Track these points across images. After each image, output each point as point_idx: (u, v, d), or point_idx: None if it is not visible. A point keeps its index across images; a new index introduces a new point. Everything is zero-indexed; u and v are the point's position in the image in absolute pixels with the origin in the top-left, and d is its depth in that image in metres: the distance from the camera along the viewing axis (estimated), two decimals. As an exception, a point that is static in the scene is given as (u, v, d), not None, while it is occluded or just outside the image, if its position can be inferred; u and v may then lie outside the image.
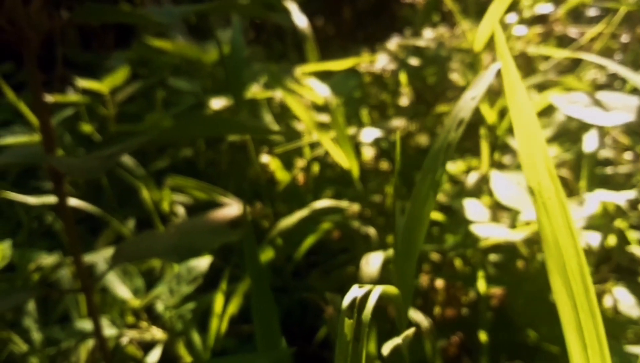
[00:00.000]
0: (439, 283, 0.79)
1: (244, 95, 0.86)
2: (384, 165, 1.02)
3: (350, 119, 1.07)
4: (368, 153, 0.98)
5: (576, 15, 1.22)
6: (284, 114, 1.09)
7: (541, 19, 1.18)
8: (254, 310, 0.39)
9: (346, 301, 0.28)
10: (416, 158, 0.91)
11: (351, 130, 0.85)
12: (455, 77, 0.87)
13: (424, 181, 0.30)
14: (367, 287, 0.28)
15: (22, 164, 0.51)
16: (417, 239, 0.30)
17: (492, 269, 0.68)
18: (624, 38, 1.14)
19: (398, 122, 1.06)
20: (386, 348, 0.27)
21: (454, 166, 0.93)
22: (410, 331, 0.29)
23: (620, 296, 0.60)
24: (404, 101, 1.09)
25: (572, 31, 1.13)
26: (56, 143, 1.02)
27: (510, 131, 0.96)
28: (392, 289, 0.29)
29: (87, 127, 1.17)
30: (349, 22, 2.53)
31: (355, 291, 0.28)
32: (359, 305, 0.29)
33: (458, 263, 0.75)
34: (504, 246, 0.68)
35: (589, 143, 0.66)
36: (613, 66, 0.56)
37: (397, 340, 0.27)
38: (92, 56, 1.91)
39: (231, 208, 0.59)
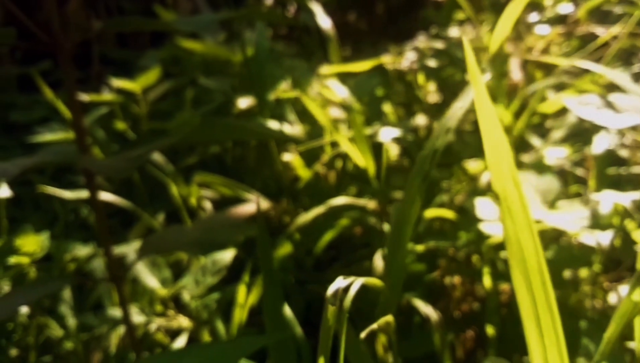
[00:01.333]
0: (455, 279, 0.82)
1: (266, 96, 0.90)
2: (408, 162, 1.05)
3: (373, 117, 1.10)
4: (393, 150, 1.01)
5: (601, 15, 1.22)
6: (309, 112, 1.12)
7: (564, 19, 1.18)
8: (264, 301, 0.43)
9: (330, 291, 0.31)
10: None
11: (371, 129, 0.88)
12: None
13: (412, 183, 0.33)
14: (351, 278, 0.31)
15: (57, 163, 0.55)
16: (405, 236, 0.32)
17: (502, 265, 0.70)
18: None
19: (421, 121, 1.08)
20: (363, 333, 0.30)
21: (474, 165, 0.95)
22: (390, 318, 0.32)
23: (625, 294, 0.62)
24: (431, 98, 1.11)
25: (597, 30, 1.13)
26: (90, 141, 1.07)
27: (530, 129, 0.98)
28: (375, 281, 0.32)
29: (120, 125, 1.22)
30: (381, 18, 2.55)
31: (339, 282, 0.31)
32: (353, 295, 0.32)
33: (474, 259, 0.77)
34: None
35: (599, 144, 0.68)
36: (610, 74, 0.57)
37: (373, 326, 0.30)
38: (128, 54, 1.98)
39: (251, 205, 0.62)
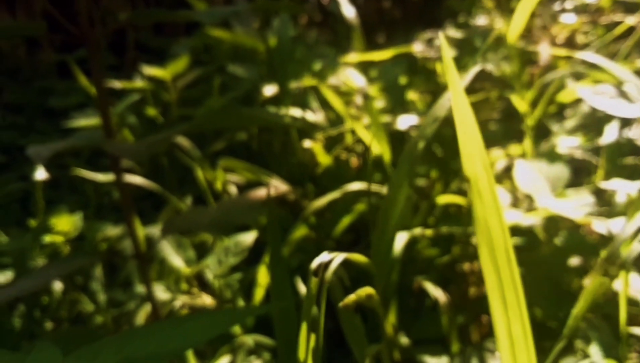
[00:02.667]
0: (470, 264, 0.84)
1: (287, 84, 0.93)
2: (437, 150, 1.06)
3: (396, 105, 1.12)
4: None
5: (628, 5, 1.21)
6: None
7: (588, 8, 1.18)
8: (271, 278, 0.45)
9: (314, 264, 0.34)
10: (449, 143, 0.95)
11: (388, 117, 0.90)
12: (490, 67, 0.90)
13: (400, 170, 0.35)
14: (335, 254, 0.34)
15: (85, 147, 0.59)
16: (392, 219, 0.35)
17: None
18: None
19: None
20: (341, 303, 0.33)
21: (494, 153, 0.96)
22: (370, 290, 0.34)
23: (633, 281, 0.63)
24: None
25: (621, 19, 1.13)
26: (115, 128, 1.12)
27: (550, 118, 0.98)
28: (359, 257, 0.35)
29: (151, 111, 1.26)
30: (415, 5, 2.55)
31: (323, 257, 0.34)
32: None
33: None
34: (525, 231, 0.72)
35: (609, 133, 0.69)
36: (591, 58, 0.58)
37: (351, 296, 0.33)
38: (163, 41, 2.02)
39: (266, 189, 0.65)
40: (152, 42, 2.07)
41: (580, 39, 1.24)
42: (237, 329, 0.81)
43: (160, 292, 0.82)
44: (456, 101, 0.29)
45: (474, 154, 0.28)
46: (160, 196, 1.09)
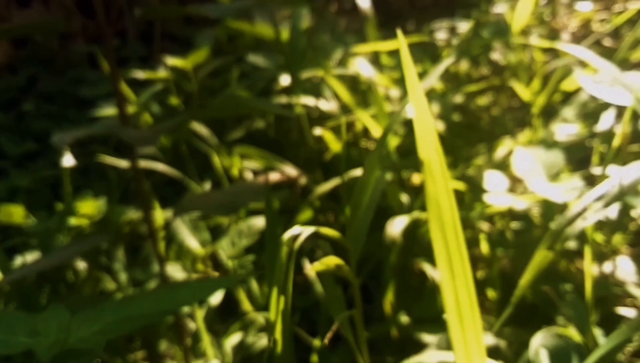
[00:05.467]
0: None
1: (298, 74, 0.96)
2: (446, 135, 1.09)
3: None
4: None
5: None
6: (354, 88, 1.18)
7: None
8: (267, 259, 0.49)
9: (286, 236, 0.37)
10: (460, 131, 0.97)
11: (398, 107, 0.93)
12: (497, 56, 0.92)
13: (374, 154, 0.39)
14: (306, 227, 0.37)
15: (103, 134, 0.64)
16: (364, 200, 0.38)
17: (510, 235, 0.75)
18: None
19: (458, 98, 1.12)
20: (310, 269, 0.36)
21: (505, 141, 0.99)
22: (336, 259, 0.38)
23: (621, 264, 0.66)
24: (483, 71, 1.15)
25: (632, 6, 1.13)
26: (138, 117, 1.17)
27: (557, 105, 1.00)
28: (330, 231, 0.38)
29: (174, 100, 1.31)
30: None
31: (295, 230, 0.37)
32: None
33: (485, 227, 0.82)
34: (522, 215, 0.74)
35: (605, 121, 0.71)
36: (571, 49, 0.60)
37: (317, 265, 0.36)
38: (190, 31, 2.08)
39: (271, 175, 0.69)
40: (180, 32, 2.12)
41: (595, 26, 1.25)
42: (248, 307, 0.85)
43: (177, 272, 0.87)
44: (413, 92, 0.32)
45: (427, 139, 0.32)
46: (183, 182, 1.14)
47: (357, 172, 0.81)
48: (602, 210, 0.39)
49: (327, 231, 0.38)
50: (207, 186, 1.12)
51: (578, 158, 0.82)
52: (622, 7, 1.13)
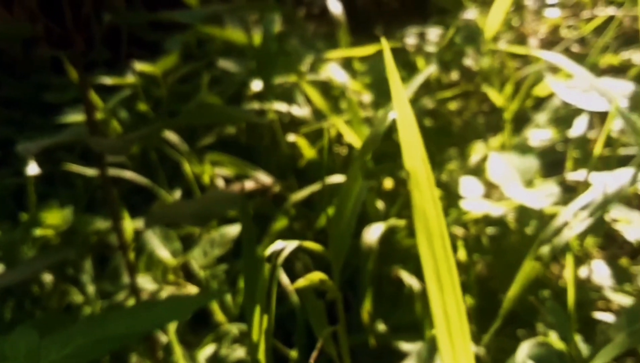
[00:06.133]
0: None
1: (271, 80, 0.95)
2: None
3: (382, 99, 1.14)
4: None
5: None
6: (326, 93, 1.17)
7: (570, 1, 1.20)
8: (243, 270, 0.48)
9: (268, 252, 0.36)
10: (432, 136, 0.97)
11: (373, 112, 0.92)
12: (470, 62, 0.93)
13: (356, 162, 0.38)
14: (288, 241, 0.36)
15: (71, 143, 0.61)
16: (348, 208, 0.37)
17: (486, 240, 0.75)
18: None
19: (429, 103, 1.12)
20: (292, 286, 0.35)
21: (477, 146, 0.99)
22: (321, 275, 0.37)
23: (596, 268, 0.66)
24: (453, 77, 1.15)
25: (600, 13, 1.15)
26: (106, 124, 1.14)
27: (530, 110, 1.01)
28: (313, 245, 0.37)
29: (143, 107, 1.29)
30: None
31: (277, 244, 0.36)
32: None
33: (459, 233, 0.82)
34: (498, 221, 0.74)
35: (579, 126, 0.71)
36: (547, 56, 0.61)
37: (301, 280, 0.35)
38: (158, 36, 2.04)
39: (243, 183, 0.68)
40: (148, 37, 2.09)
41: (564, 32, 1.27)
42: (221, 318, 0.83)
43: (147, 283, 0.85)
44: (397, 101, 0.31)
45: (413, 150, 0.31)
46: (152, 190, 1.11)
47: (333, 179, 0.80)
48: (587, 219, 0.39)
49: (310, 244, 0.37)
50: (178, 194, 1.09)
51: (547, 161, 0.82)
52: (589, 14, 1.15)
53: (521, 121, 0.98)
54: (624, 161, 0.83)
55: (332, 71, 0.93)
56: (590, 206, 0.40)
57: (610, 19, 1.11)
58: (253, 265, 0.47)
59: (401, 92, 0.31)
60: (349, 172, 0.38)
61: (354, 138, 0.80)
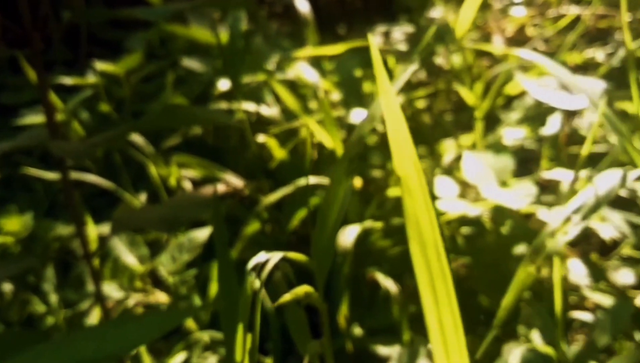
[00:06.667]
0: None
1: (239, 80, 0.92)
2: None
3: (351, 99, 1.12)
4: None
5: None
6: (293, 93, 1.15)
7: (536, 1, 1.21)
8: (218, 274, 0.46)
9: (251, 264, 0.34)
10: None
11: (343, 111, 0.91)
12: (441, 61, 0.92)
13: (341, 165, 0.36)
14: (272, 253, 0.34)
15: (29, 147, 0.58)
16: (331, 216, 0.36)
17: (461, 241, 0.74)
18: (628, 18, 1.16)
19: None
20: (276, 303, 0.33)
21: (445, 144, 0.98)
22: (308, 288, 0.35)
23: (572, 267, 0.66)
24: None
25: (567, 12, 1.16)
26: (66, 125, 1.10)
27: (501, 108, 1.00)
28: (297, 255, 0.35)
29: (105, 107, 1.24)
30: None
31: (260, 257, 0.34)
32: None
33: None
34: (473, 221, 0.73)
35: (552, 124, 0.71)
36: (525, 54, 0.60)
37: (286, 295, 0.34)
38: (119, 34, 1.99)
39: (220, 185, 0.65)
40: (108, 36, 2.03)
41: (530, 31, 1.27)
42: (192, 325, 0.81)
43: (114, 291, 0.81)
44: (386, 102, 0.29)
45: (405, 154, 0.29)
46: (116, 193, 1.08)
47: (305, 181, 0.78)
48: (581, 222, 0.38)
49: (294, 255, 0.35)
50: (143, 197, 1.06)
51: (517, 160, 0.82)
52: (555, 13, 1.15)
53: (490, 120, 0.97)
54: (594, 159, 0.83)
55: (302, 70, 0.91)
56: (582, 209, 0.39)
57: (574, 17, 1.12)
58: (227, 271, 0.45)
59: (390, 91, 0.29)
60: (332, 177, 0.36)
61: (327, 139, 0.79)
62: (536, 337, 0.52)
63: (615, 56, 0.97)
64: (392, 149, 0.30)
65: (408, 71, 0.41)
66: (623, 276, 0.67)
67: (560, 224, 0.39)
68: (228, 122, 0.65)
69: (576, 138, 0.91)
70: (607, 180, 0.40)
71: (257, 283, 0.33)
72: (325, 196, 0.36)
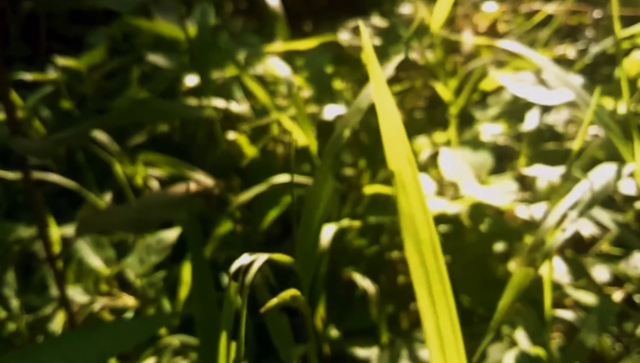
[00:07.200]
0: (399, 253, 0.84)
1: (209, 75, 0.90)
2: (364, 139, 1.06)
3: (322, 95, 1.10)
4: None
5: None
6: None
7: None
8: (193, 279, 0.43)
9: (234, 267, 0.32)
10: (372, 132, 0.95)
11: (315, 107, 0.89)
12: (415, 56, 0.90)
13: (324, 163, 0.34)
14: (255, 255, 0.32)
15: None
16: (316, 215, 0.34)
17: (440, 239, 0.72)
18: (596, 14, 1.17)
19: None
20: (263, 308, 0.31)
21: (419, 141, 0.97)
22: (295, 292, 0.33)
23: (555, 265, 0.65)
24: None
25: (539, 8, 1.15)
26: (26, 123, 1.06)
27: (474, 106, 1.00)
28: (283, 257, 0.33)
29: (66, 104, 1.20)
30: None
31: (243, 259, 0.32)
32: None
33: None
34: (451, 218, 0.72)
35: (530, 120, 0.70)
36: (511, 47, 0.59)
37: (273, 300, 0.31)
38: (79, 29, 1.93)
39: (190, 184, 0.63)
40: (68, 31, 1.97)
41: (501, 27, 1.27)
42: (161, 329, 0.78)
43: (78, 295, 0.78)
44: (378, 93, 0.27)
45: (398, 147, 0.27)
46: (79, 193, 1.03)
47: (280, 178, 0.76)
48: (577, 220, 0.36)
49: (279, 257, 0.33)
50: (108, 197, 1.02)
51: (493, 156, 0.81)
52: (527, 8, 1.15)
53: (463, 117, 0.96)
54: (564, 156, 0.83)
55: (274, 65, 0.89)
56: (577, 206, 0.38)
57: (546, 14, 1.11)
58: (203, 273, 0.42)
59: (384, 86, 0.27)
60: (316, 175, 0.34)
61: (301, 135, 0.76)
62: (520, 336, 0.51)
63: (587, 53, 0.97)
64: (385, 143, 0.28)
65: (394, 61, 0.39)
66: (599, 273, 0.67)
67: (556, 221, 0.38)
68: (198, 116, 0.63)
69: (549, 135, 0.90)
70: (602, 176, 0.39)
71: (238, 288, 0.31)
72: (308, 195, 0.34)
